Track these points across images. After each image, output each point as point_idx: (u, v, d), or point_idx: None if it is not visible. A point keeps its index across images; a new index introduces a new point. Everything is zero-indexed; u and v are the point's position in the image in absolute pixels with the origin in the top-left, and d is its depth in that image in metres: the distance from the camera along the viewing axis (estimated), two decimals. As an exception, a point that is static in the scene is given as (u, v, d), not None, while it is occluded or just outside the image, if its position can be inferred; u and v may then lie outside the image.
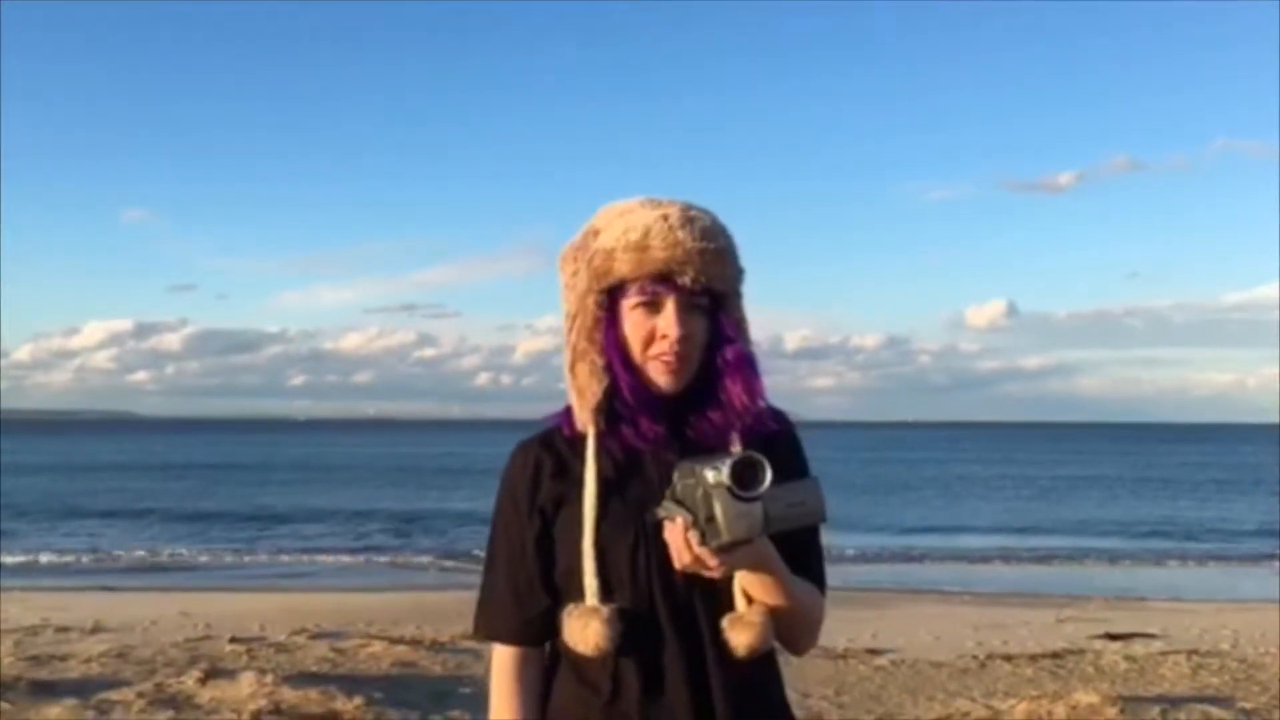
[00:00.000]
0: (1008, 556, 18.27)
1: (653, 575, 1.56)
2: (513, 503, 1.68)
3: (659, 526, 1.55)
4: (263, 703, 5.80)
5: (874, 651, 8.06)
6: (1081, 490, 35.34)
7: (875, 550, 18.82)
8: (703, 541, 1.44)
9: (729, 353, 1.63)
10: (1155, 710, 5.87)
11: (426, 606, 11.23)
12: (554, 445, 1.67)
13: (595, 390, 1.62)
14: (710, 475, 1.42)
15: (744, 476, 1.41)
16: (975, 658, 7.86)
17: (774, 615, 1.57)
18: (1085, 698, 6.09)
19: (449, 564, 17.06)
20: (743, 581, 1.56)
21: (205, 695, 6.00)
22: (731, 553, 1.46)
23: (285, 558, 17.91)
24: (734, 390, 1.63)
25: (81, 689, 6.15)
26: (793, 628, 1.61)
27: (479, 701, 6.27)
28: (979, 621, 9.83)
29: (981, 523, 24.06)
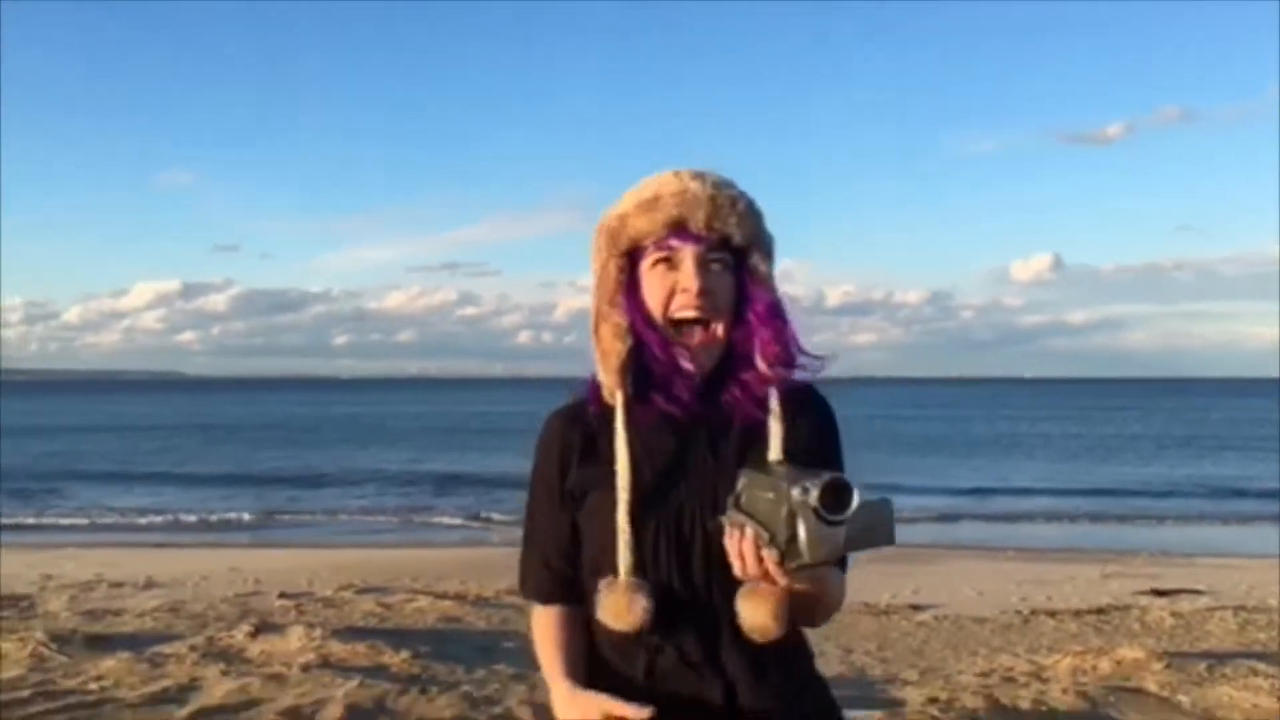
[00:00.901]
0: (1052, 515, 18.15)
1: (677, 553, 1.54)
2: (544, 482, 1.66)
3: (688, 506, 1.54)
4: (311, 656, 5.88)
5: (916, 607, 8.05)
6: (1128, 447, 34.96)
7: (918, 508, 18.76)
8: (780, 561, 1.40)
9: (757, 305, 1.59)
10: (1201, 665, 5.81)
11: (470, 562, 11.37)
12: (583, 420, 1.64)
13: (620, 351, 1.59)
14: (797, 495, 1.37)
15: (834, 500, 1.37)
16: (1019, 613, 7.83)
17: (797, 600, 1.52)
18: (1130, 653, 6.05)
19: (493, 521, 17.23)
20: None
21: (255, 649, 6.10)
22: (805, 573, 1.42)
23: (332, 516, 18.16)
24: (764, 342, 1.58)
25: (135, 642, 6.28)
26: (813, 611, 1.57)
27: (523, 655, 6.35)
28: (1023, 577, 9.78)
29: (1025, 481, 23.87)
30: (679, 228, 1.58)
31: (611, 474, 1.57)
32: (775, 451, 1.55)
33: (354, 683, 5.34)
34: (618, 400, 1.59)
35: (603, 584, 1.53)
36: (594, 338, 1.63)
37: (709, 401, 1.58)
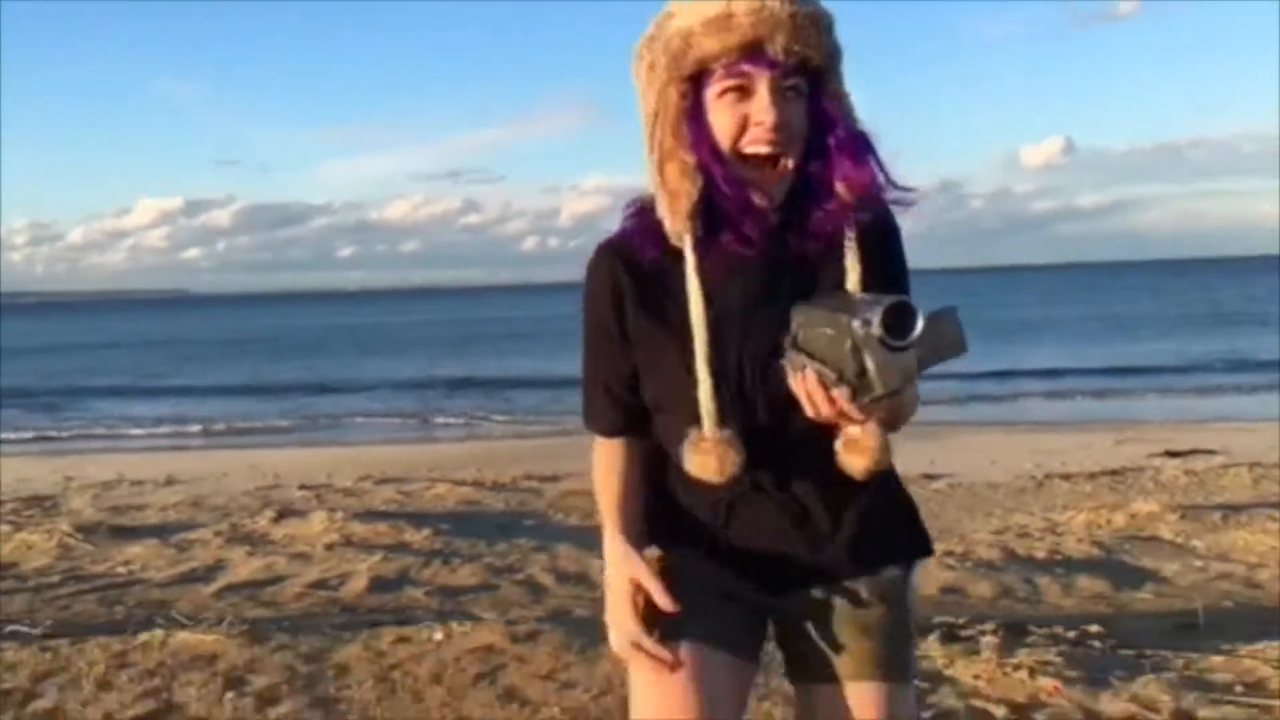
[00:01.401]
0: (1066, 393, 18.17)
1: (757, 398, 1.48)
2: (597, 320, 1.57)
3: (764, 350, 1.46)
4: (334, 536, 5.96)
5: (931, 476, 8.10)
6: (1140, 326, 34.87)
7: (931, 391, 18.76)
8: (853, 397, 1.34)
9: (838, 131, 1.46)
10: (1216, 515, 5.85)
11: (486, 453, 11.46)
12: (636, 264, 1.53)
13: (691, 191, 1.46)
14: (858, 327, 1.31)
15: (896, 325, 1.30)
16: (1033, 478, 7.88)
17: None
18: (1145, 506, 6.09)
19: (508, 417, 17.34)
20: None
21: (279, 532, 6.18)
22: (881, 404, 1.36)
23: (348, 419, 18.30)
24: (847, 172, 1.46)
25: (160, 531, 6.37)
26: (893, 424, 1.50)
27: (543, 531, 6.44)
28: (1036, 447, 9.83)
29: (1038, 363, 23.84)
30: (753, 50, 1.43)
31: (677, 320, 1.49)
32: (852, 285, 1.47)
33: (377, 557, 5.43)
34: (686, 244, 1.49)
35: (690, 438, 1.47)
36: (657, 174, 1.49)
37: (780, 239, 1.48)
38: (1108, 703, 2.91)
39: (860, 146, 1.47)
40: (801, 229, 1.48)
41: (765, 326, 1.47)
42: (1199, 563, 4.86)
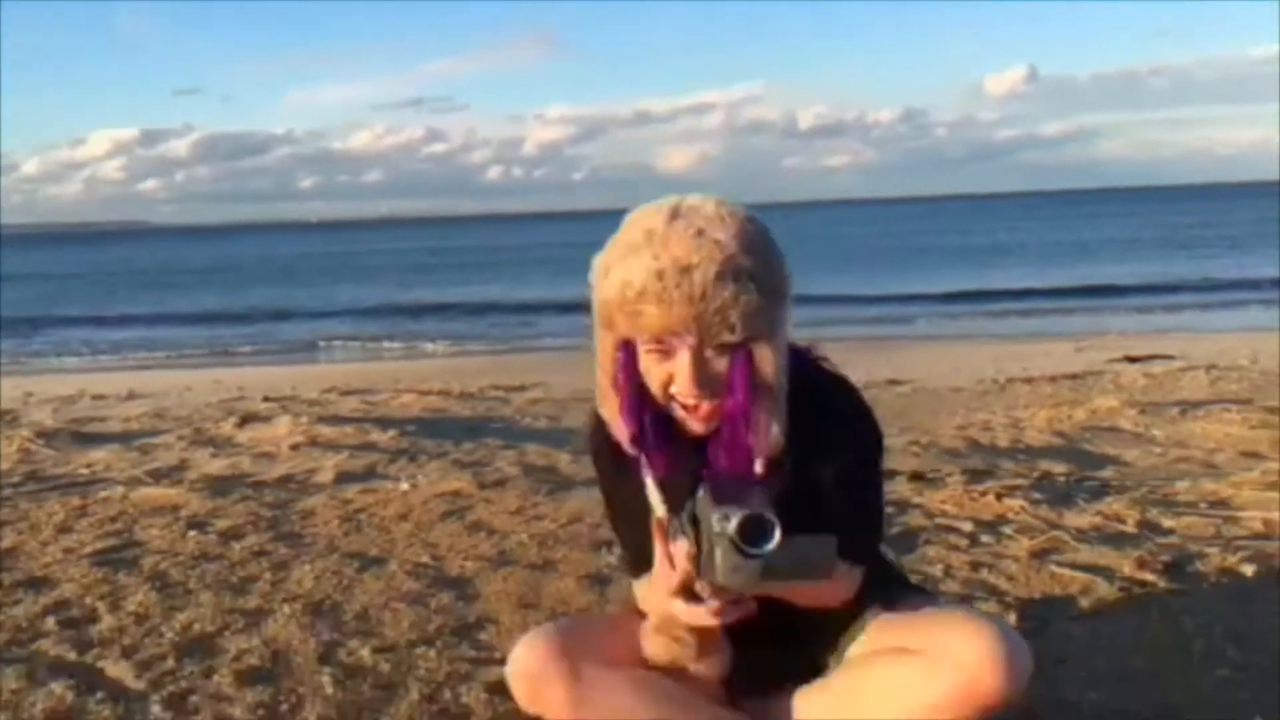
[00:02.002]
0: (1029, 311, 18.31)
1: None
2: (604, 480, 1.85)
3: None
4: (299, 438, 5.95)
5: (895, 382, 8.16)
6: (1103, 250, 35.12)
7: (893, 311, 18.92)
8: (698, 575, 1.49)
9: (729, 404, 1.57)
10: (1174, 410, 5.94)
11: (453, 368, 11.47)
12: (615, 445, 1.70)
13: (623, 431, 1.64)
14: (716, 522, 1.42)
15: (750, 534, 1.40)
16: (995, 382, 7.96)
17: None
18: (1105, 402, 6.18)
19: (475, 339, 17.31)
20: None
21: (243, 436, 6.16)
22: (726, 593, 1.50)
23: (313, 342, 18.19)
24: (722, 451, 1.61)
25: (123, 438, 6.32)
26: (813, 600, 1.66)
27: (510, 432, 6.45)
28: (998, 355, 9.94)
29: (1002, 284, 23.98)
30: (664, 335, 1.55)
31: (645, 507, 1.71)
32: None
33: (343, 455, 5.42)
34: (641, 462, 1.68)
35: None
36: (599, 401, 1.68)
37: (706, 455, 1.64)
38: (1074, 518, 3.01)
39: (741, 424, 1.59)
40: (715, 454, 1.63)
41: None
42: (1158, 449, 4.95)
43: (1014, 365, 9.14)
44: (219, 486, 3.76)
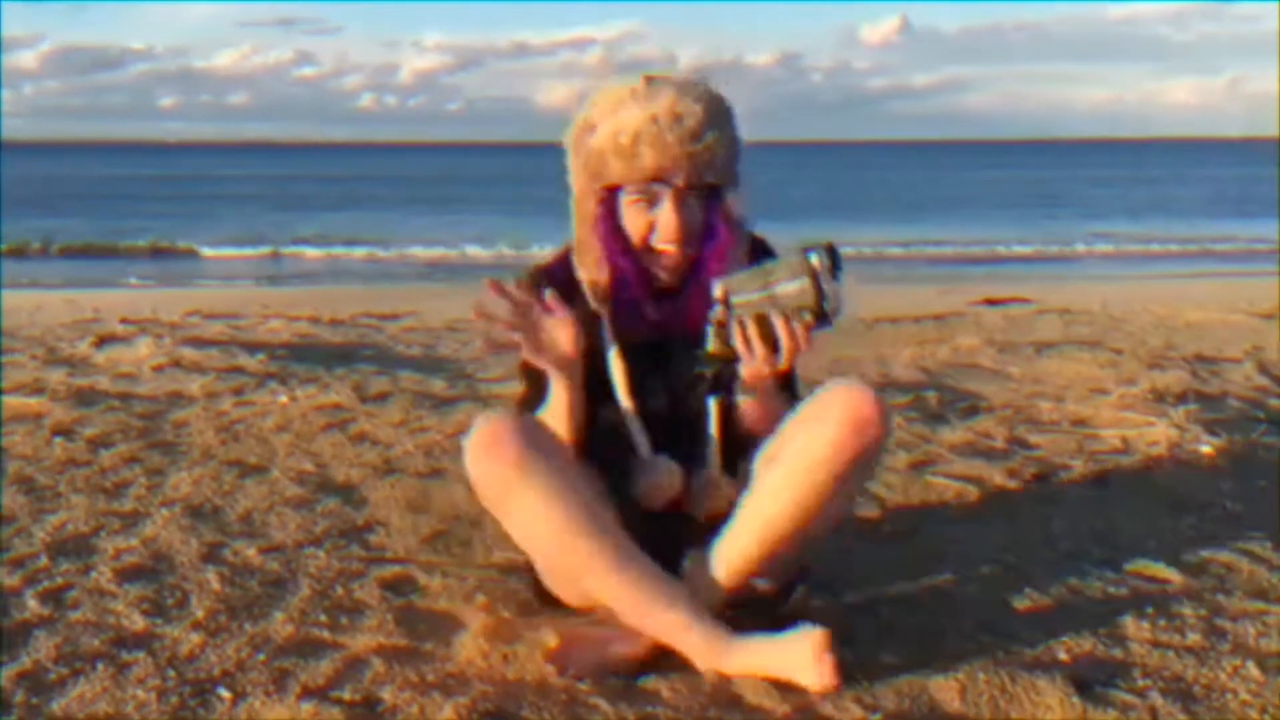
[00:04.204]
0: (894, 257, 18.78)
1: (673, 426, 1.91)
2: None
3: (662, 387, 1.91)
4: (162, 359, 5.74)
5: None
6: (969, 201, 36.21)
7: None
8: (819, 320, 1.73)
9: (713, 245, 1.83)
10: (1030, 350, 6.23)
11: (322, 296, 11.18)
12: (570, 301, 1.85)
13: (601, 279, 1.84)
14: (815, 260, 1.69)
15: (836, 261, 1.72)
16: (861, 321, 8.18)
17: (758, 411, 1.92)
18: (966, 341, 6.44)
19: (342, 268, 16.92)
20: (761, 387, 1.88)
21: (101, 358, 5.91)
22: (821, 331, 1.77)
23: (172, 264, 17.52)
24: (718, 271, 1.82)
25: (-35, 357, 5.99)
26: (760, 425, 1.93)
27: (383, 359, 6.34)
28: (862, 295, 10.19)
29: (871, 232, 24.53)
30: (657, 179, 1.76)
31: (599, 365, 1.87)
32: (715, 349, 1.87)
33: (209, 378, 5.25)
34: (603, 315, 1.87)
35: (638, 464, 1.89)
36: (577, 260, 1.88)
37: (678, 306, 1.87)
38: (947, 435, 3.15)
39: (729, 251, 1.85)
40: (687, 312, 1.86)
41: (662, 378, 1.90)
42: (1014, 384, 5.17)
43: (879, 307, 9.41)
44: (83, 398, 3.61)
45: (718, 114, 1.78)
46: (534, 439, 1.77)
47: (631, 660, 1.84)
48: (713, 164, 1.77)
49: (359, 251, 19.67)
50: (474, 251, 18.87)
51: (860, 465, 1.81)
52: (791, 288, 1.70)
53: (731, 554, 1.85)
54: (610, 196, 1.80)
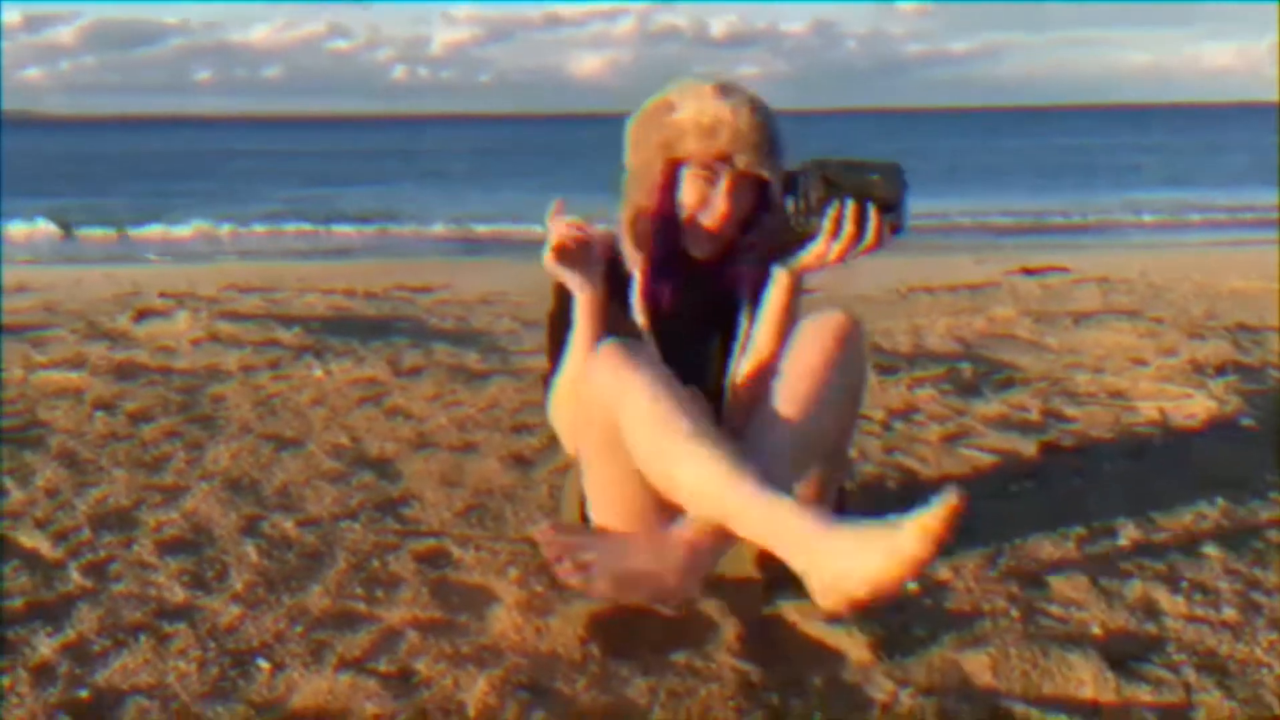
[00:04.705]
0: (933, 226, 18.60)
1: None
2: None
3: (687, 355, 2.02)
4: (200, 333, 5.81)
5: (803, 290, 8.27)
6: (1008, 169, 35.78)
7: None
8: (894, 229, 1.91)
9: (755, 234, 1.99)
10: (1068, 320, 6.17)
11: (356, 270, 11.27)
12: (613, 262, 2.03)
13: (648, 244, 2.01)
14: (900, 167, 1.88)
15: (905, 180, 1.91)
16: (897, 291, 8.13)
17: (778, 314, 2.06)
18: (1002, 312, 6.38)
19: (378, 241, 17.01)
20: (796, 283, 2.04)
21: (140, 331, 5.99)
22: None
23: (209, 238, 17.66)
24: (746, 270, 2.01)
25: (13, 331, 6.09)
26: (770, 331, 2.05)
27: (417, 332, 6.38)
28: (900, 267, 10.12)
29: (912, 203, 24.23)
30: (724, 156, 1.95)
31: (632, 323, 2.02)
32: (744, 334, 2.10)
33: (246, 351, 5.30)
34: (636, 276, 2.03)
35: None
36: (628, 223, 2.03)
37: (712, 280, 2.03)
38: (981, 407, 3.13)
39: (764, 249, 2.00)
40: (716, 284, 2.04)
41: (688, 345, 2.05)
42: (1052, 355, 5.13)
43: (914, 276, 9.34)
44: (123, 372, 3.66)
45: (778, 125, 2.02)
46: (634, 350, 1.94)
47: (661, 587, 1.84)
48: (771, 159, 1.97)
49: (392, 226, 19.74)
50: (505, 229, 18.89)
51: (855, 368, 2.00)
52: (886, 185, 1.87)
53: (774, 452, 1.91)
54: (673, 170, 1.98)
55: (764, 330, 2.03)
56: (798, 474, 1.95)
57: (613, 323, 1.99)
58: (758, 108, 1.99)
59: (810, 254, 1.95)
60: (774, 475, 1.83)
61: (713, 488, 1.79)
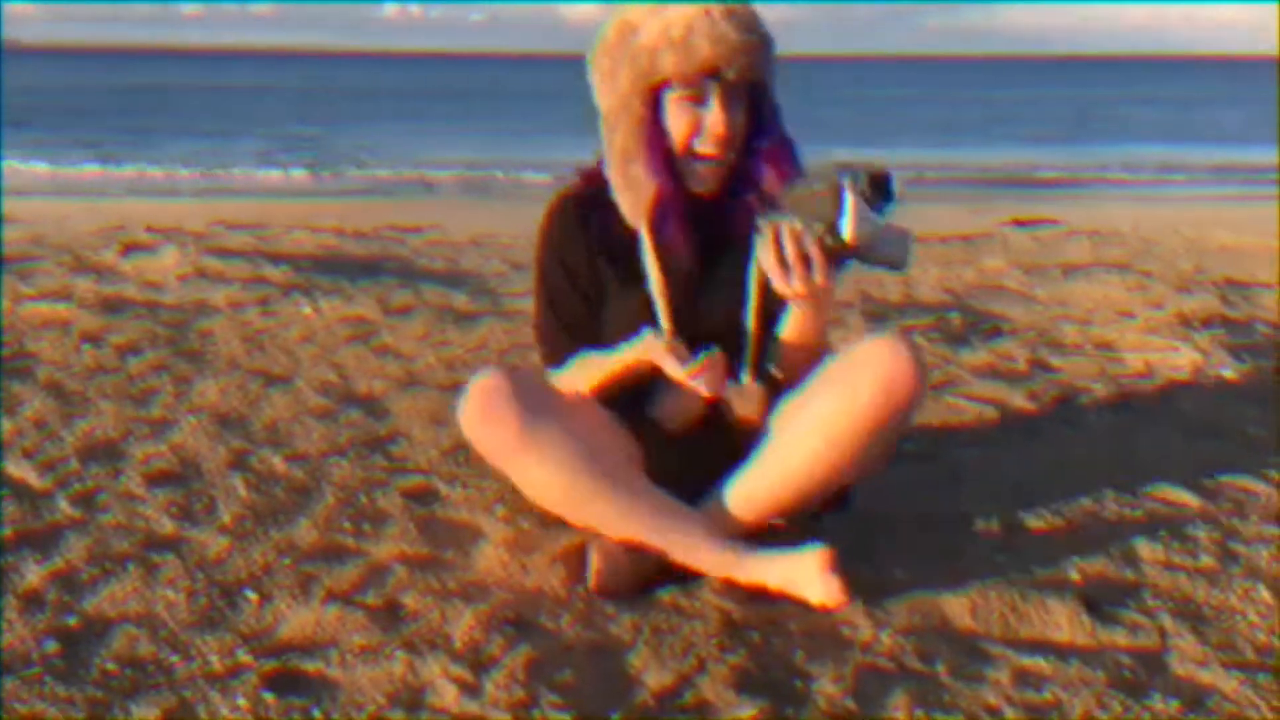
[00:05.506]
0: (924, 181, 18.52)
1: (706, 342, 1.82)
2: (565, 268, 1.83)
3: (712, 308, 1.82)
4: (188, 269, 5.78)
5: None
6: (1005, 123, 35.56)
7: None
8: (832, 244, 1.58)
9: (769, 138, 1.77)
10: (1057, 273, 6.18)
11: (346, 208, 11.19)
12: (605, 226, 1.81)
13: (648, 193, 1.76)
14: (847, 178, 1.54)
15: (878, 185, 1.56)
16: (889, 240, 8.14)
17: (792, 354, 1.80)
18: (993, 263, 6.39)
19: (366, 178, 16.89)
20: (796, 317, 1.75)
21: (127, 266, 5.96)
22: (840, 259, 1.61)
23: (194, 173, 17.49)
24: (769, 176, 1.76)
25: (-1, 264, 6.05)
26: (797, 366, 1.83)
27: (407, 272, 6.36)
28: (896, 215, 10.12)
29: (908, 150, 24.15)
30: (709, 69, 1.69)
31: (639, 286, 1.80)
32: (759, 265, 1.80)
33: (234, 288, 5.29)
34: (643, 229, 1.80)
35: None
36: (618, 172, 1.77)
37: (717, 219, 1.81)
38: (968, 357, 3.15)
39: (782, 154, 1.78)
40: (729, 221, 1.81)
41: (704, 291, 1.83)
42: (1040, 307, 5.15)
43: (906, 222, 9.35)
44: (110, 305, 3.65)
45: (758, 14, 1.77)
46: (534, 401, 1.74)
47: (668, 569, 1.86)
48: (762, 59, 1.74)
49: (380, 166, 19.57)
50: (497, 174, 18.75)
51: (888, 427, 1.76)
52: (812, 200, 1.59)
53: (753, 494, 1.85)
54: (654, 99, 1.74)
55: (784, 348, 1.84)
56: (785, 514, 1.89)
57: (628, 315, 1.82)
58: (733, 5, 1.72)
59: (778, 291, 1.71)
60: (754, 511, 1.85)
61: (638, 539, 1.82)
